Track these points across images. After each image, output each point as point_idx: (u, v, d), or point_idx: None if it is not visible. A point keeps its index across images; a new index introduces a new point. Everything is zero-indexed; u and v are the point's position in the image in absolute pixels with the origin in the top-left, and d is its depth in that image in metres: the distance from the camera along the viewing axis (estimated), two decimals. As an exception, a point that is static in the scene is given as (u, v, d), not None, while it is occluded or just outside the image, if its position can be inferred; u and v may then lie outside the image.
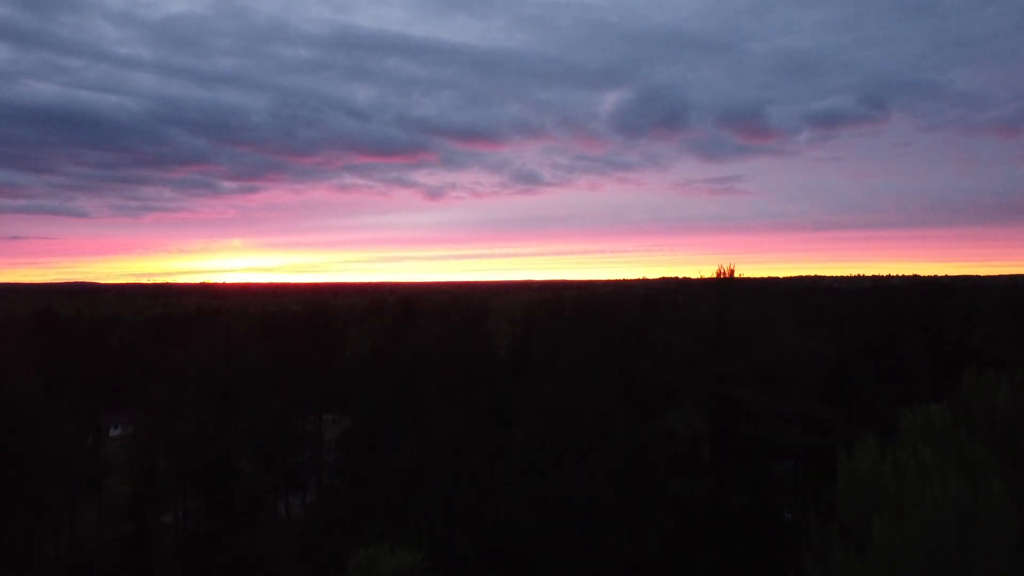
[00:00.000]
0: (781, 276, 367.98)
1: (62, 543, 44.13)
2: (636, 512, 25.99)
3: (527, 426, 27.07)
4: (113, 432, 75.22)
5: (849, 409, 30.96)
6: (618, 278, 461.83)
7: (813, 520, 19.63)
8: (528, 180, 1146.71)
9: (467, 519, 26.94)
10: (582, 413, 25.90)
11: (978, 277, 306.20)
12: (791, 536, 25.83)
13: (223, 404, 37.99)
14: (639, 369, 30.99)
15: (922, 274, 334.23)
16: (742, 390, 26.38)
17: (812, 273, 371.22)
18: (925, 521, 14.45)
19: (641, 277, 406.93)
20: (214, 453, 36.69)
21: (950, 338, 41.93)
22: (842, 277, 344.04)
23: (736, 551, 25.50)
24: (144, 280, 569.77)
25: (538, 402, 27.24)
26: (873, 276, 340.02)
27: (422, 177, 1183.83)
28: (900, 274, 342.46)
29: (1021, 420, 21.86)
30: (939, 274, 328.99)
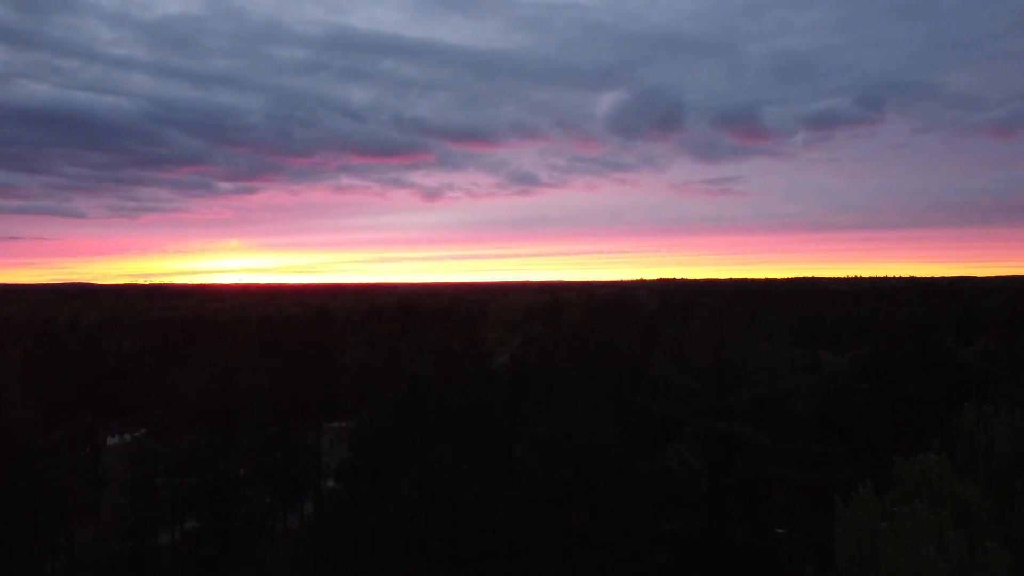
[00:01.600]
0: (778, 277, 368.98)
1: (59, 562, 44.08)
2: (634, 548, 25.99)
3: (525, 461, 27.07)
4: (111, 440, 74.73)
5: (847, 443, 31.02)
6: (616, 279, 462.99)
7: (811, 565, 19.67)
8: (525, 181, 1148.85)
9: (465, 553, 26.94)
10: (580, 448, 25.89)
11: (975, 278, 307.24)
12: (788, 573, 25.89)
13: (221, 426, 37.92)
14: (637, 402, 31.02)
15: (919, 275, 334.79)
16: (741, 428, 26.39)
17: (809, 275, 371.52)
18: (923, 579, 14.51)
19: (639, 278, 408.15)
20: (212, 475, 36.62)
21: (949, 360, 41.94)
22: (840, 279, 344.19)
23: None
24: (142, 281, 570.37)
25: (536, 437, 27.24)
26: (871, 277, 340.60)
27: (419, 178, 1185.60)
28: (898, 275, 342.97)
29: (1018, 457, 21.92)
30: (936, 275, 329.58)
